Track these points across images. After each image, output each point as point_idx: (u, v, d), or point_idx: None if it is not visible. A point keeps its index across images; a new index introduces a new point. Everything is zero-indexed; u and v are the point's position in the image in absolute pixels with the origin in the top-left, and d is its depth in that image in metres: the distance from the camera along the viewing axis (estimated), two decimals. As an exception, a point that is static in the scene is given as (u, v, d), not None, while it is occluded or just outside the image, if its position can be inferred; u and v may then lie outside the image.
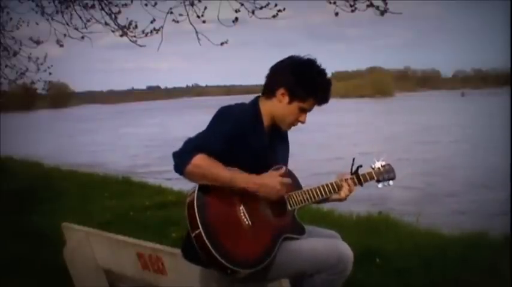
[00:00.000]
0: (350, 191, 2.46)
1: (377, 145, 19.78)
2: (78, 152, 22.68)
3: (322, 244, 2.30)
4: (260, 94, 2.40)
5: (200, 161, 2.14)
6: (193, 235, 2.13)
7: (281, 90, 2.31)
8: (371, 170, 2.54)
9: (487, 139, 21.35)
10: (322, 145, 22.15)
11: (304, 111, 2.35)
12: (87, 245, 3.45)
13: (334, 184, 2.44)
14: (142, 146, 24.55)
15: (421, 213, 6.99)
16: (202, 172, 2.15)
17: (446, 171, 14.91)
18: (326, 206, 6.83)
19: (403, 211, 8.33)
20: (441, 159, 17.19)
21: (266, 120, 2.36)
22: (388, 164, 2.58)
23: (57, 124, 48.70)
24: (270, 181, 2.24)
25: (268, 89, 2.35)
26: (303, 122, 2.38)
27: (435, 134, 25.18)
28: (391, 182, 2.57)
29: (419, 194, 11.44)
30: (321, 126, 25.84)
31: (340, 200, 2.48)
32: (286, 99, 2.31)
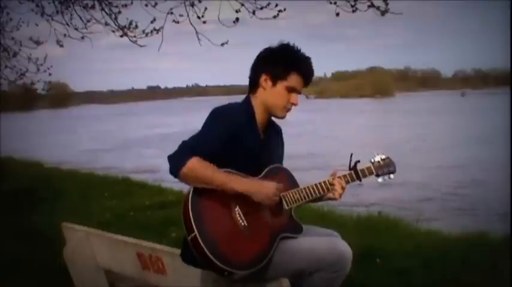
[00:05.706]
0: (342, 189, 2.38)
1: (375, 145, 19.78)
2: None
3: (321, 243, 2.29)
4: (249, 93, 2.40)
5: (195, 164, 2.14)
6: (189, 238, 2.13)
7: (263, 77, 2.32)
8: (370, 164, 2.46)
9: (486, 139, 21.34)
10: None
11: (292, 91, 2.33)
12: (87, 245, 3.44)
13: (331, 181, 2.39)
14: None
15: (421, 213, 7.00)
16: (197, 175, 2.14)
17: (446, 171, 14.91)
18: (326, 206, 6.84)
19: (403, 211, 8.33)
20: (441, 159, 17.19)
21: (260, 118, 2.36)
22: (388, 158, 2.49)
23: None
24: (264, 188, 2.22)
25: (252, 83, 2.37)
26: (295, 104, 2.35)
27: (435, 134, 25.16)
28: (391, 175, 2.48)
29: (419, 194, 11.45)
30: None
31: (333, 199, 2.40)
32: (269, 83, 2.32)
